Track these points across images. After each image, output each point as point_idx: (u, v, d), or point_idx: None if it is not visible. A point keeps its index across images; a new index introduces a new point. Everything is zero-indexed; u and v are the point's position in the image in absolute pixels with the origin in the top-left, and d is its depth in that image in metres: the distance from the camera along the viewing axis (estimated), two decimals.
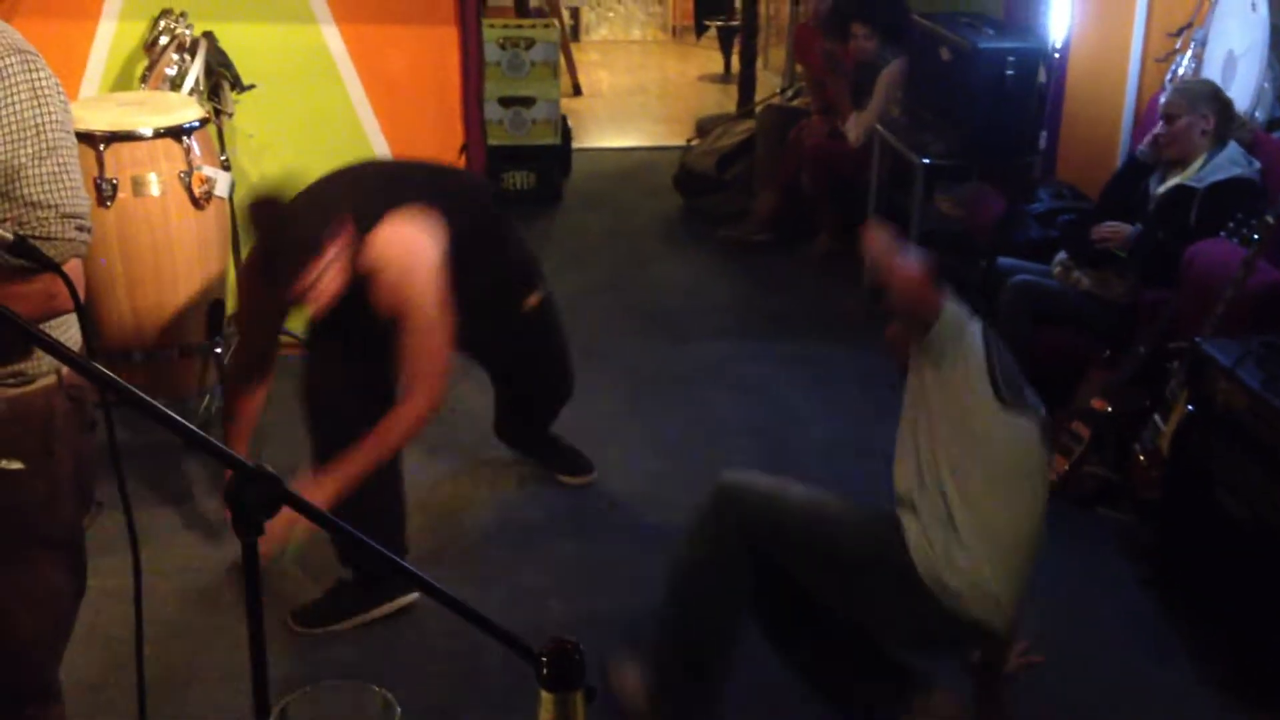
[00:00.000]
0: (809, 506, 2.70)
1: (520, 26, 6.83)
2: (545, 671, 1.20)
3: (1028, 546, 2.61)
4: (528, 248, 3.80)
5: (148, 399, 1.40)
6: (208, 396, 4.13)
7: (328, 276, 2.96)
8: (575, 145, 7.60)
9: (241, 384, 3.45)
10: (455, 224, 3.15)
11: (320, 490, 2.94)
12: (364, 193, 3.19)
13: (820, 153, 6.00)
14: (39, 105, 1.87)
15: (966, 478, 2.54)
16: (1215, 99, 4.00)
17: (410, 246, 3.05)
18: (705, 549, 2.70)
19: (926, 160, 5.08)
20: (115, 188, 3.60)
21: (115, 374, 3.42)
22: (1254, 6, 4.23)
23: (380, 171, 3.51)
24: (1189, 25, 4.59)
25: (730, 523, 2.65)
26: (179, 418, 1.42)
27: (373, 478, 3.05)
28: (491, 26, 6.66)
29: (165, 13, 4.30)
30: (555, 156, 6.98)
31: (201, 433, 1.41)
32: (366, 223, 3.03)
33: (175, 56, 4.08)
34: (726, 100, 8.89)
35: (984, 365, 2.52)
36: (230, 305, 4.36)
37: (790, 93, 7.46)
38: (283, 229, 2.99)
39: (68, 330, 2.05)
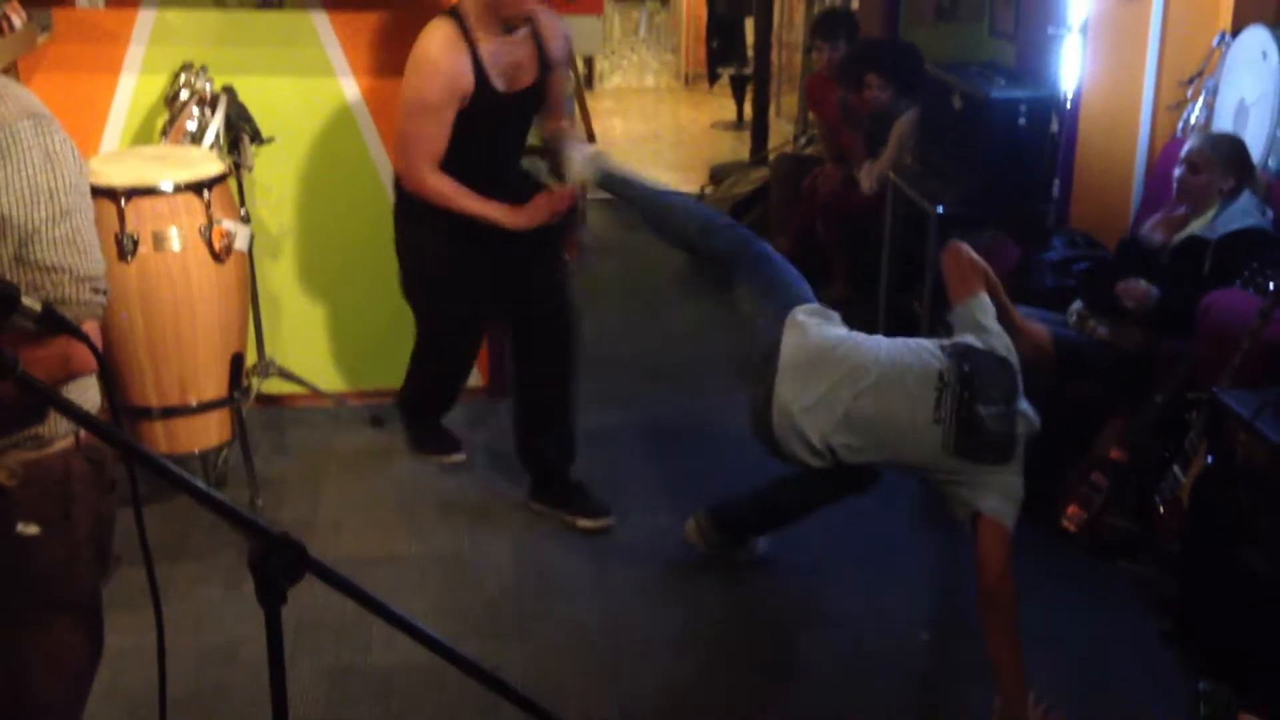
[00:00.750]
0: None
1: None
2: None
3: None
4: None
5: (169, 464, 1.41)
6: (225, 450, 4.14)
7: None
8: (590, 195, 7.62)
9: None
10: None
11: None
12: None
13: (834, 201, 6.02)
14: (52, 169, 1.89)
15: None
16: (1241, 162, 4.01)
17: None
18: None
19: (940, 209, 5.09)
20: (136, 243, 3.63)
21: (135, 428, 3.44)
22: (1265, 55, 4.24)
23: None
24: (1200, 74, 4.61)
25: None
26: (201, 484, 1.43)
27: None
28: None
29: (186, 67, 4.34)
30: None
31: (225, 499, 1.42)
32: None
33: (196, 111, 4.12)
34: (740, 147, 8.93)
35: None
36: (250, 357, 4.38)
37: (803, 141, 7.50)
38: None
39: (86, 391, 2.06)
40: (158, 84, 4.43)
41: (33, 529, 2.00)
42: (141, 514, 1.87)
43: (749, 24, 9.47)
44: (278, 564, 1.42)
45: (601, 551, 3.94)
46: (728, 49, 10.36)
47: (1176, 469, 3.56)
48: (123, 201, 3.61)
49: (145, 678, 3.12)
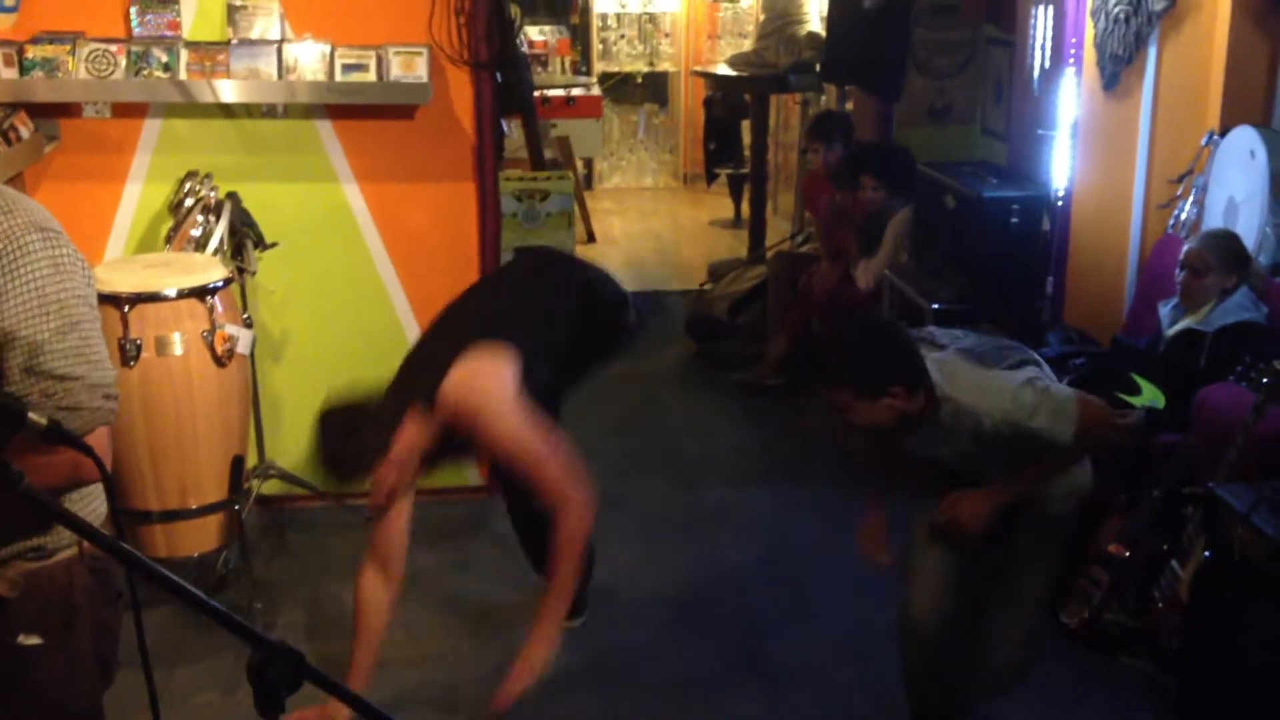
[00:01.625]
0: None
1: (535, 179, 6.97)
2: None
3: None
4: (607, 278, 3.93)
5: (169, 575, 1.43)
6: (224, 553, 4.14)
7: (408, 458, 3.18)
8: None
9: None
10: (531, 323, 3.39)
11: (541, 644, 3.22)
12: (420, 365, 3.35)
13: (831, 298, 6.08)
14: (60, 280, 1.92)
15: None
16: (1242, 260, 4.07)
17: (472, 386, 3.15)
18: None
19: (935, 305, 5.15)
20: (139, 348, 3.67)
21: (135, 532, 3.43)
22: (1253, 154, 4.32)
23: (437, 332, 3.56)
24: (1190, 172, 4.68)
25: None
26: (199, 593, 1.44)
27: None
28: (507, 180, 6.80)
29: (190, 175, 4.42)
30: None
31: (223, 608, 1.44)
32: (429, 391, 3.15)
33: (200, 218, 4.19)
34: (738, 245, 9.02)
35: None
36: (250, 459, 4.40)
37: (800, 239, 7.59)
38: (349, 437, 3.21)
39: (92, 500, 2.08)
40: (163, 192, 4.51)
41: (34, 640, 2.00)
42: (141, 623, 1.87)
43: (745, 125, 9.61)
44: (276, 673, 1.43)
45: (603, 649, 3.93)
46: (725, 149, 10.50)
47: (1175, 564, 3.57)
48: (126, 308, 3.66)
49: None
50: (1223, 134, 4.53)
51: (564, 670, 3.82)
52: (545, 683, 3.73)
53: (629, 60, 11.77)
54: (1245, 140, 4.37)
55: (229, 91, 4.35)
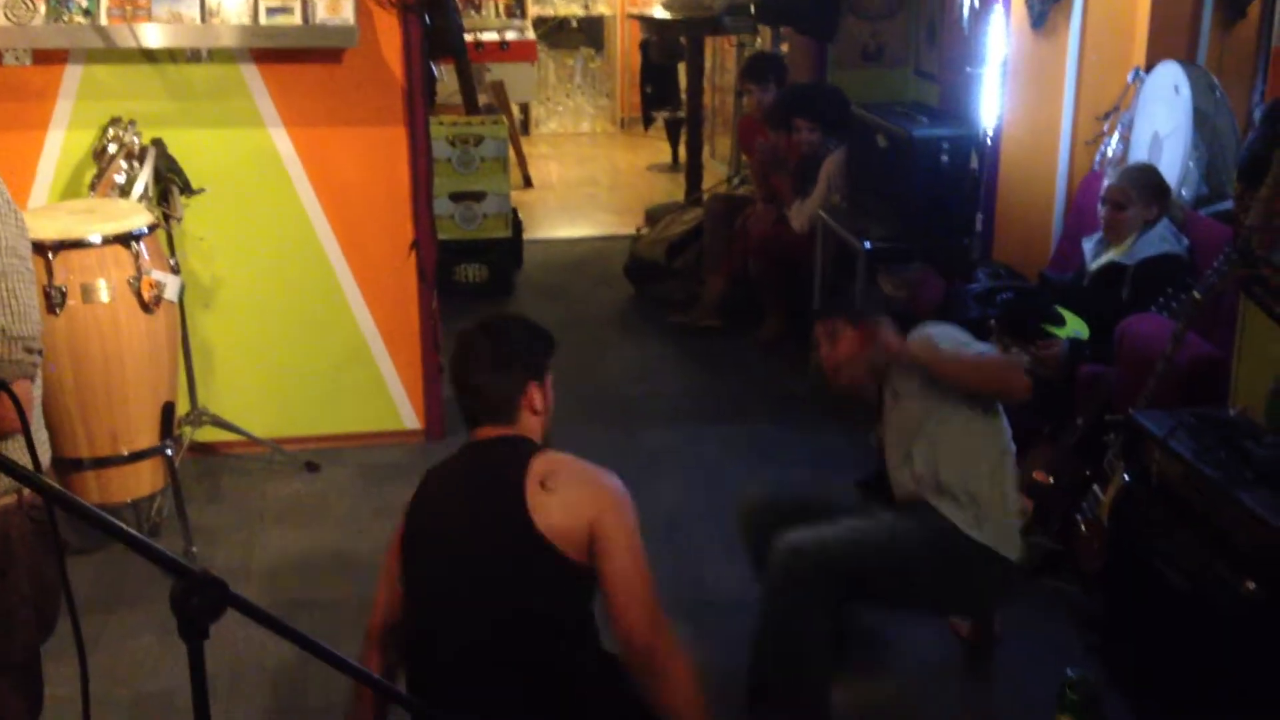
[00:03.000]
0: (861, 543, 3.12)
1: (469, 124, 6.95)
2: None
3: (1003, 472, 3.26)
4: None
5: (90, 508, 1.44)
6: (158, 499, 4.13)
7: None
8: (526, 237, 7.69)
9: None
10: None
11: None
12: None
13: (766, 240, 6.11)
14: None
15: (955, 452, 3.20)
16: (1162, 192, 4.14)
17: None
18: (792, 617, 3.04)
19: (868, 245, 5.20)
20: (65, 295, 3.64)
21: (66, 479, 3.42)
22: (1177, 89, 4.38)
23: None
24: (1116, 109, 4.74)
25: (809, 585, 3.01)
26: (121, 524, 1.46)
27: None
28: (440, 124, 6.77)
29: (114, 121, 4.37)
30: (506, 249, 7.07)
31: (145, 538, 1.45)
32: None
33: (124, 164, 4.14)
34: (675, 189, 9.03)
35: None
36: (182, 406, 4.39)
37: (736, 181, 7.61)
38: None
39: (23, 451, 2.07)
40: (86, 139, 4.44)
41: None
42: (64, 562, 1.87)
43: (682, 69, 9.59)
44: (199, 601, 1.44)
45: None
46: (661, 93, 10.48)
47: (1097, 489, 3.65)
48: (51, 255, 3.63)
49: None
50: (1148, 70, 4.60)
51: None
52: None
53: (564, 4, 11.70)
54: (1170, 76, 4.43)
55: (151, 36, 4.28)
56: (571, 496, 2.45)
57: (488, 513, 2.44)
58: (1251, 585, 2.85)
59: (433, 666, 2.41)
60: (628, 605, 2.35)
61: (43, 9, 4.22)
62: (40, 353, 2.00)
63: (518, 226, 7.37)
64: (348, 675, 1.51)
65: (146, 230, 3.83)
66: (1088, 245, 4.38)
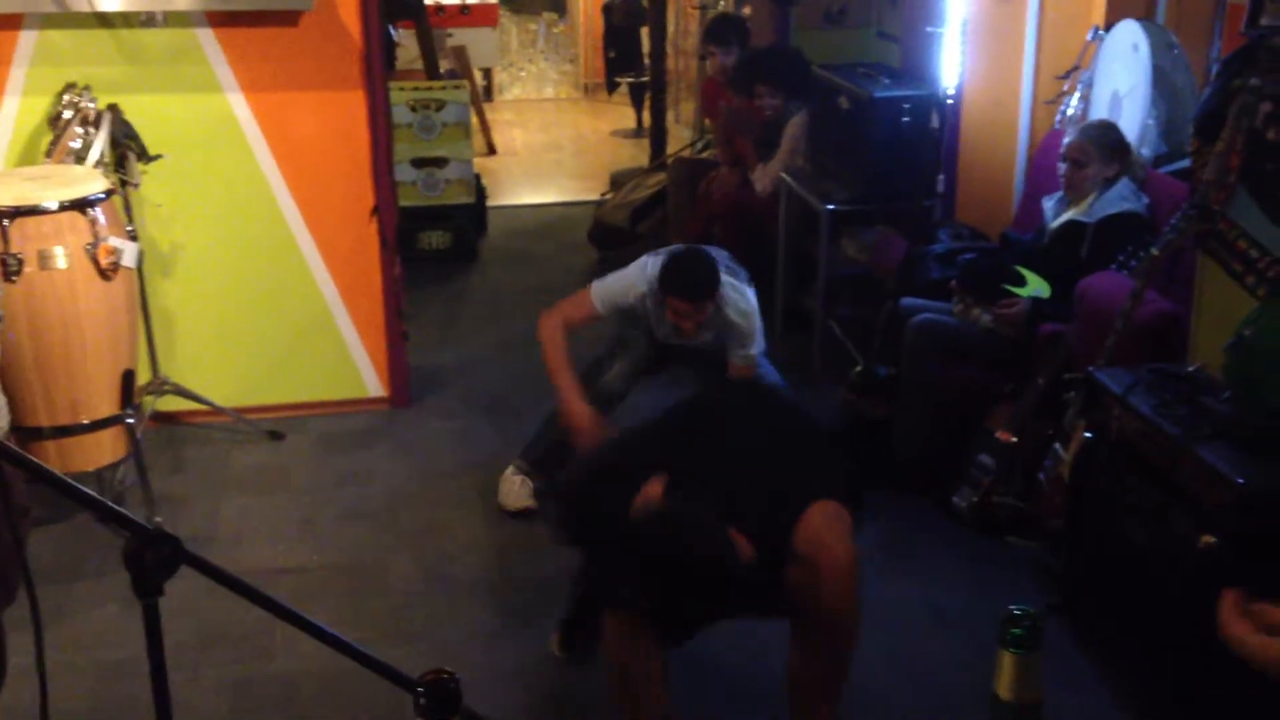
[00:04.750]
0: None
1: (430, 89, 6.90)
2: (423, 702, 1.25)
3: None
4: None
5: (41, 465, 1.42)
6: (121, 468, 4.11)
7: None
8: (491, 203, 7.66)
9: None
10: None
11: None
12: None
13: (730, 203, 6.10)
14: None
15: None
16: (1121, 149, 4.15)
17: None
18: None
19: (830, 206, 5.20)
20: (21, 262, 3.60)
21: (27, 448, 3.39)
22: (1136, 48, 4.39)
23: None
24: (1076, 68, 4.75)
25: None
26: (72, 481, 1.44)
27: None
28: (401, 89, 6.73)
29: (69, 87, 4.31)
30: (470, 215, 7.05)
31: (95, 494, 1.44)
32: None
33: (79, 130, 4.09)
34: (640, 154, 9.01)
35: None
36: (143, 375, 4.36)
37: (700, 145, 7.59)
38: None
39: None
40: (41, 105, 4.39)
41: None
42: (17, 527, 1.86)
43: (645, 33, 9.55)
44: (153, 557, 1.44)
45: (506, 552, 3.97)
46: (625, 58, 10.44)
47: (1058, 447, 3.68)
48: (6, 222, 3.58)
49: (51, 698, 3.11)
50: (1107, 29, 4.60)
51: (463, 573, 3.87)
52: (450, 587, 3.79)
53: None
54: (1129, 34, 4.44)
55: (106, 0, 4.22)
56: None
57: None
58: (1210, 539, 2.88)
59: None
60: None
61: None
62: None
63: (481, 193, 7.34)
64: (310, 634, 1.50)
65: (103, 196, 3.78)
66: (1048, 204, 4.40)
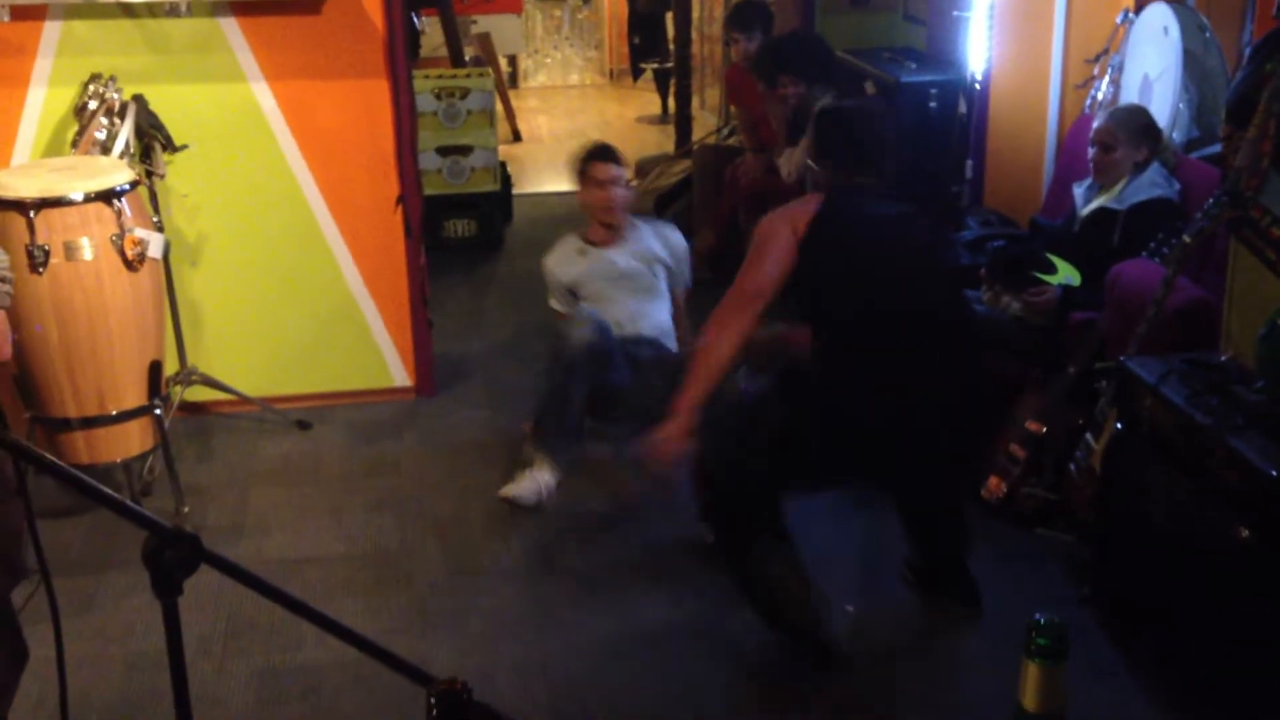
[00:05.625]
0: None
1: (455, 76, 6.89)
2: (434, 710, 1.24)
3: None
4: None
5: (56, 462, 1.42)
6: (149, 459, 4.12)
7: None
8: (516, 191, 7.65)
9: None
10: None
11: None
12: None
13: (756, 190, 6.06)
14: None
15: None
16: (1151, 133, 4.10)
17: None
18: None
19: None
20: (47, 254, 3.61)
21: (54, 439, 3.38)
22: (1166, 31, 4.34)
23: None
24: (1105, 51, 4.70)
25: None
26: (91, 480, 1.44)
27: None
28: (426, 78, 6.71)
29: (94, 77, 4.31)
30: (495, 203, 7.03)
31: (114, 494, 1.43)
32: None
33: (104, 120, 4.09)
34: (665, 141, 8.97)
35: None
36: (171, 366, 4.37)
37: (726, 132, 7.55)
38: None
39: None
40: (67, 95, 4.39)
41: None
42: (34, 519, 1.86)
43: (670, 19, 9.50)
44: (172, 556, 1.43)
45: (531, 547, 3.96)
46: (650, 44, 10.39)
47: (1089, 437, 3.64)
48: (32, 213, 3.59)
49: (77, 688, 3.14)
50: (1137, 11, 4.55)
51: (490, 564, 3.87)
52: (477, 580, 3.79)
53: None
54: (1159, 17, 4.39)
55: None
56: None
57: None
58: (1245, 532, 2.85)
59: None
60: None
61: None
62: (9, 280, 1.96)
63: (506, 180, 7.33)
64: (327, 631, 1.49)
65: (128, 187, 3.78)
66: (1078, 190, 4.35)
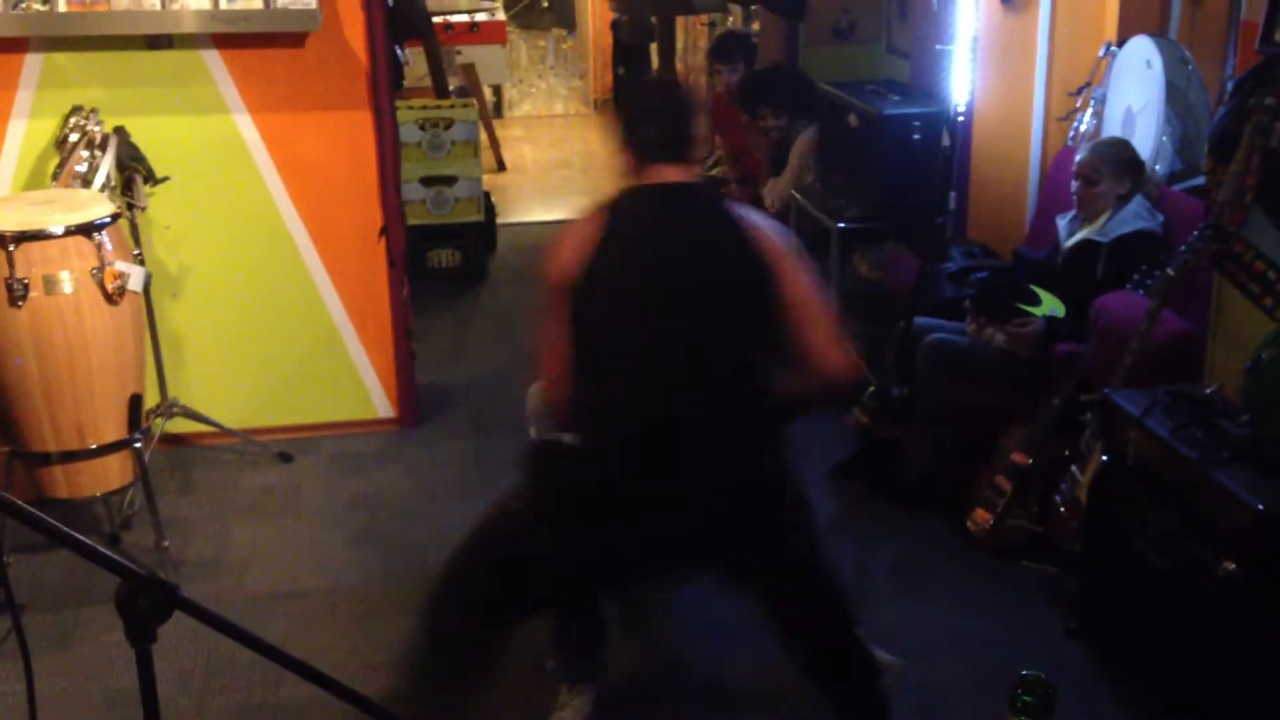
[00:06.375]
0: None
1: (439, 107, 6.89)
2: None
3: None
4: None
5: (27, 508, 1.39)
6: (129, 492, 4.08)
7: None
8: (500, 221, 7.65)
9: None
10: None
11: None
12: None
13: None
14: None
15: None
16: (1134, 167, 4.11)
17: None
18: None
19: (841, 225, 5.17)
20: (27, 287, 3.58)
21: (34, 474, 3.35)
22: (1149, 64, 4.36)
23: None
24: (1088, 84, 4.72)
25: None
26: (61, 526, 1.41)
27: None
28: (410, 108, 6.71)
29: (76, 109, 4.30)
30: (479, 233, 7.03)
31: (84, 539, 1.41)
32: None
33: (85, 153, 4.07)
34: None
35: None
36: (152, 398, 4.33)
37: (710, 162, 7.56)
38: None
39: None
40: (49, 128, 4.38)
41: None
42: (3, 560, 1.83)
43: (654, 49, 9.54)
44: (146, 603, 1.41)
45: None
46: (634, 74, 10.42)
47: (1075, 469, 3.63)
48: (11, 247, 3.56)
49: None
50: (1120, 45, 4.57)
51: None
52: None
53: None
54: (1141, 50, 4.41)
55: (111, 23, 4.21)
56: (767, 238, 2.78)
57: (718, 241, 2.78)
58: (1230, 566, 2.84)
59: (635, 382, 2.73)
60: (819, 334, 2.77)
61: None
62: None
63: (490, 210, 7.32)
64: (303, 676, 1.47)
65: (109, 220, 3.76)
66: (1062, 223, 4.36)
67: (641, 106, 2.96)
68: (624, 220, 2.80)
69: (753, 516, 2.73)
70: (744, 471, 2.76)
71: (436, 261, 6.84)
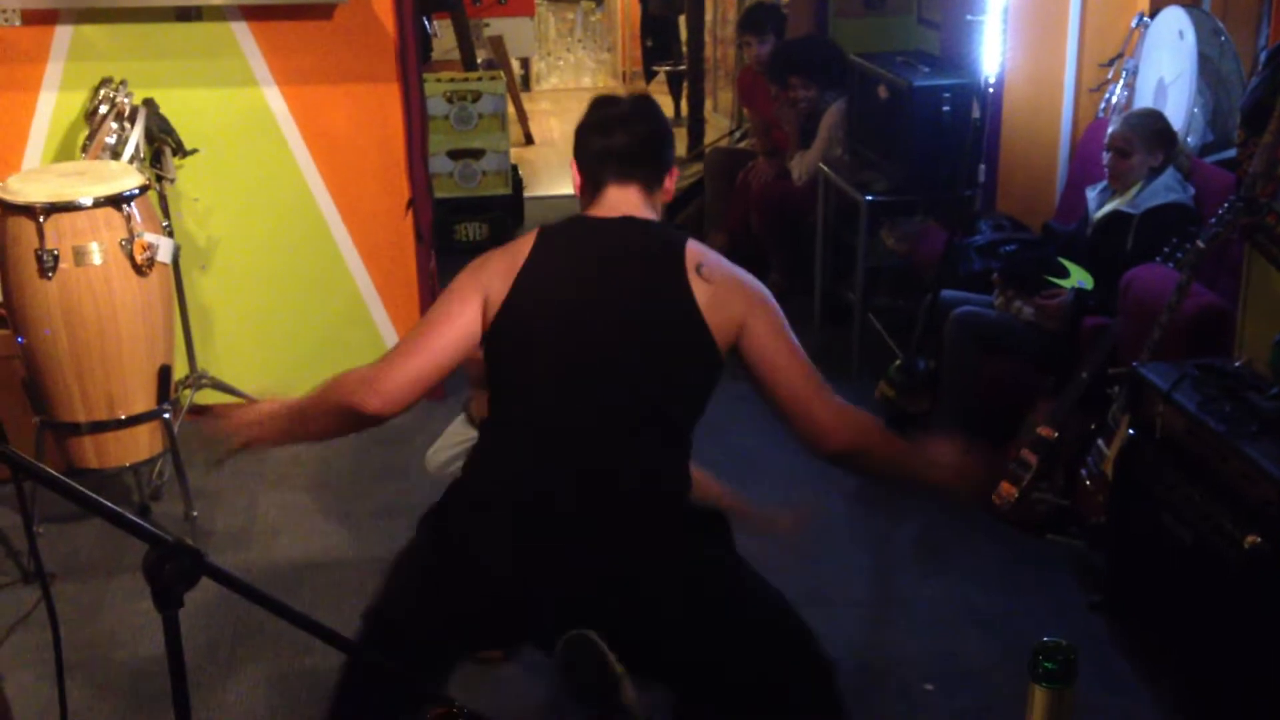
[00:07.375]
0: None
1: (466, 80, 6.88)
2: None
3: None
4: None
5: (53, 474, 1.41)
6: (158, 463, 4.12)
7: None
8: (528, 194, 7.64)
9: None
10: None
11: None
12: None
13: (768, 194, 6.05)
14: None
15: None
16: (1167, 138, 4.07)
17: None
18: None
19: (870, 197, 5.14)
20: (56, 259, 3.61)
21: (64, 444, 3.38)
22: (1181, 35, 4.31)
23: None
24: (1120, 55, 4.68)
25: None
26: (89, 492, 1.43)
27: None
28: (438, 81, 6.71)
29: (105, 82, 4.32)
30: (507, 207, 7.03)
31: (113, 506, 1.42)
32: None
33: (115, 125, 4.10)
34: (678, 144, 8.94)
35: None
36: (181, 370, 4.37)
37: (738, 135, 7.53)
38: None
39: None
40: (78, 100, 4.40)
41: None
42: (32, 528, 1.85)
43: (682, 21, 9.49)
44: (173, 569, 1.42)
45: None
46: (662, 46, 10.39)
47: (1101, 443, 3.62)
48: (41, 218, 3.59)
49: (85, 692, 3.15)
50: (1152, 15, 4.53)
51: None
52: None
53: None
54: (1174, 21, 4.36)
55: None
56: (724, 291, 2.43)
57: (650, 286, 2.43)
58: (1256, 539, 2.82)
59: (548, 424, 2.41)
60: (804, 399, 2.50)
61: None
62: None
63: (518, 184, 7.32)
64: (322, 640, 1.48)
65: (137, 191, 3.78)
66: (1091, 194, 4.33)
67: (597, 117, 2.60)
68: (548, 255, 2.46)
69: (647, 593, 2.35)
70: (641, 551, 2.36)
71: (464, 235, 6.85)
